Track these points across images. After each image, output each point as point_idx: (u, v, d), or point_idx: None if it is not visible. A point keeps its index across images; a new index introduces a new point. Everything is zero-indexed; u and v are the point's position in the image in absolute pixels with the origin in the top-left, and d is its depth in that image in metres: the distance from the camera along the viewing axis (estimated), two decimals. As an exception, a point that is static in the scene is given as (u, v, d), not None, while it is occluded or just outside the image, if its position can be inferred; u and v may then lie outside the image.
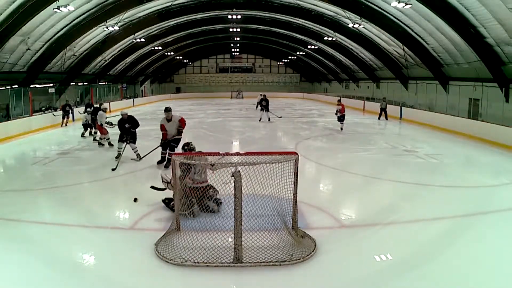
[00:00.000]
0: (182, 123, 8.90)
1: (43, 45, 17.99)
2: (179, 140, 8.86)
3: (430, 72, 19.36)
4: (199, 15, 24.91)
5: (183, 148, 6.63)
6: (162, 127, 8.75)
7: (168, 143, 8.79)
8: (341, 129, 14.97)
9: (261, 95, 19.77)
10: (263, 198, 4.79)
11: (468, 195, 6.96)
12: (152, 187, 6.35)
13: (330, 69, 35.47)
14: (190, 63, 45.62)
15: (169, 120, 8.72)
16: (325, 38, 24.32)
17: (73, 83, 24.51)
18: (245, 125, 17.94)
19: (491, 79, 15.27)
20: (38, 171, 8.78)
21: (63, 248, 4.65)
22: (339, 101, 15.54)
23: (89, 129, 13.66)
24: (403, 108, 19.82)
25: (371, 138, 13.54)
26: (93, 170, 8.84)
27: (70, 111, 17.56)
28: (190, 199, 5.41)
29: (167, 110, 8.76)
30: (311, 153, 10.94)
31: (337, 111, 14.92)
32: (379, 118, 19.24)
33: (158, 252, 4.41)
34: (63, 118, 16.86)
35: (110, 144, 11.72)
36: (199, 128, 16.38)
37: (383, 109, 19.34)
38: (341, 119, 14.97)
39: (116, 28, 19.18)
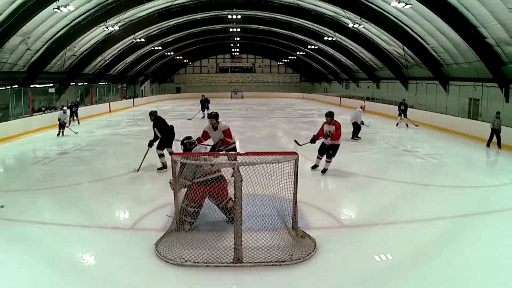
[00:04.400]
0: (227, 136, 7.21)
1: (43, 45, 17.99)
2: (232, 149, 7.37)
3: (430, 72, 19.37)
4: (199, 15, 24.91)
5: (182, 143, 5.78)
6: (205, 134, 7.31)
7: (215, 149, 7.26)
8: None
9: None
10: (263, 198, 4.79)
11: (468, 195, 6.96)
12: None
13: (330, 69, 35.47)
14: (190, 63, 45.65)
15: (215, 128, 7.24)
16: (325, 38, 24.34)
17: (73, 83, 24.52)
18: (245, 125, 17.93)
19: (491, 79, 15.28)
20: (38, 171, 8.78)
21: (63, 248, 4.65)
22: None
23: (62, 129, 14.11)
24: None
25: (371, 138, 13.52)
26: (93, 170, 8.84)
27: (75, 112, 17.62)
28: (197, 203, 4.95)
29: (212, 116, 7.22)
30: (311, 153, 10.90)
31: None
32: (488, 145, 11.77)
33: (158, 252, 4.41)
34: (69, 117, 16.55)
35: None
36: (199, 128, 16.36)
37: (496, 131, 11.51)
38: None
39: (116, 28, 19.18)
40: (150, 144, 8.45)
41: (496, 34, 13.34)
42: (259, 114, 23.62)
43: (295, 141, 9.33)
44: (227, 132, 7.23)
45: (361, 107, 14.29)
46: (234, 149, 7.59)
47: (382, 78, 26.99)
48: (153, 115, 8.58)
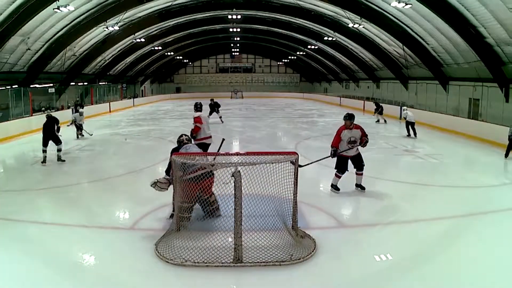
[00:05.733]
0: (195, 122, 7.82)
1: (43, 45, 17.99)
2: (204, 146, 7.49)
3: (430, 72, 19.36)
4: (199, 15, 24.91)
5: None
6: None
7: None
8: None
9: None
10: (263, 198, 4.79)
11: (468, 195, 6.96)
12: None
13: (330, 69, 35.46)
14: (190, 63, 45.62)
15: None
16: (325, 38, 24.33)
17: (73, 83, 24.51)
18: (245, 125, 17.95)
19: (491, 79, 15.27)
20: (38, 171, 8.79)
21: (63, 248, 4.65)
22: None
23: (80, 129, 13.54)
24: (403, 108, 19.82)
25: (370, 138, 13.47)
26: (93, 170, 8.84)
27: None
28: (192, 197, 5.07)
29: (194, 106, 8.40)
30: (311, 153, 10.91)
31: None
32: (506, 156, 10.10)
33: (158, 252, 4.41)
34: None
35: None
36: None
37: None
38: None
39: (116, 28, 19.18)
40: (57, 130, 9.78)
41: (496, 34, 13.34)
42: (259, 114, 23.61)
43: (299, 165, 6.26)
44: (195, 120, 7.89)
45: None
46: (204, 145, 7.58)
47: (382, 78, 26.98)
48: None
